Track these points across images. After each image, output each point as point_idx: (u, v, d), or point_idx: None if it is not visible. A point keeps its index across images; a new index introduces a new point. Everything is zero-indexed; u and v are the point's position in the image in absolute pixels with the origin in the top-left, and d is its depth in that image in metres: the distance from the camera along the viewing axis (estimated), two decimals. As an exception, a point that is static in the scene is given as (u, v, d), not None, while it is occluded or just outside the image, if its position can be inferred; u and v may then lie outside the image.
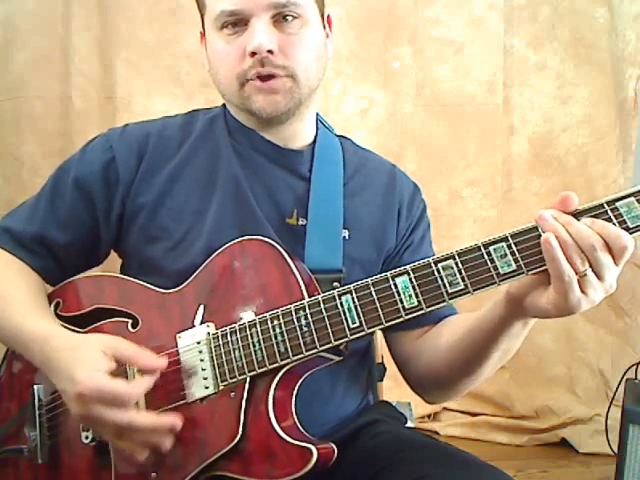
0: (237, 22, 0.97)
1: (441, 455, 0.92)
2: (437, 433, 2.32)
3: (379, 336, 1.16)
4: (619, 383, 1.93)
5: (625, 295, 2.34)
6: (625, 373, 1.89)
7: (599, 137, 2.37)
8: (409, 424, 1.16)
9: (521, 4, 2.38)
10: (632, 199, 0.76)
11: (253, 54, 0.95)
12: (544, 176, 2.41)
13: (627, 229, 0.75)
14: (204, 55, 1.06)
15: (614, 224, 0.75)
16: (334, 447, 0.85)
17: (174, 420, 0.84)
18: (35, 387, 0.97)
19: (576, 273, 0.74)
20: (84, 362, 0.83)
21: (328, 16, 1.07)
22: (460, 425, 2.36)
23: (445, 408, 2.41)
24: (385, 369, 1.21)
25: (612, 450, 1.90)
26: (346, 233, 1.03)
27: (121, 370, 0.86)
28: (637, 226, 0.76)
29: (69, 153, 1.08)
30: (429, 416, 2.40)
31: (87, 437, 0.92)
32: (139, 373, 0.87)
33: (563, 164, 2.40)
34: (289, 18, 0.97)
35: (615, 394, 2.03)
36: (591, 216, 0.76)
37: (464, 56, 2.38)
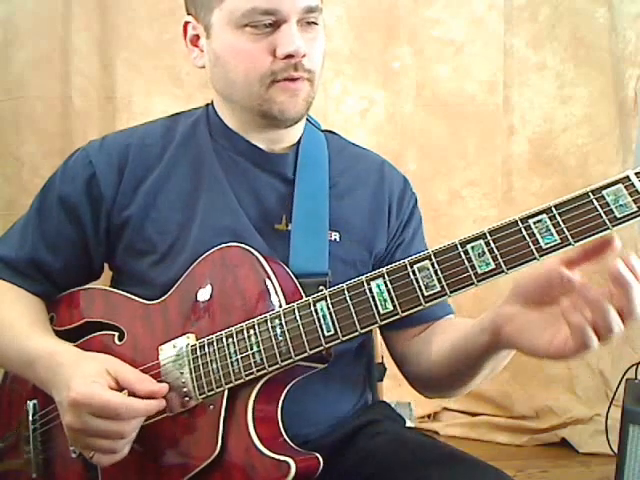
0: (267, 23, 0.93)
1: (441, 455, 0.91)
2: (437, 433, 2.32)
3: (379, 336, 1.16)
4: (619, 383, 1.93)
5: (625, 295, 2.33)
6: (625, 373, 1.89)
7: (599, 137, 2.37)
8: (409, 424, 1.16)
9: (521, 4, 2.38)
10: (620, 186, 0.70)
11: (288, 57, 0.93)
12: (544, 176, 2.41)
13: (615, 219, 0.70)
14: (190, 48, 1.03)
15: (600, 215, 0.70)
16: (319, 457, 0.84)
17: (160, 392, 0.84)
18: (29, 402, 0.96)
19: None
20: (84, 374, 0.83)
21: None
22: (460, 425, 2.36)
23: (445, 408, 2.41)
24: (385, 369, 1.21)
25: (612, 450, 1.90)
26: (337, 235, 1.01)
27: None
28: (625, 216, 0.70)
29: (69, 153, 1.07)
30: (429, 416, 2.40)
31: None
32: None
33: (563, 164, 2.40)
34: (312, 24, 0.96)
35: (615, 394, 2.03)
36: (575, 207, 0.72)
37: (464, 56, 2.38)
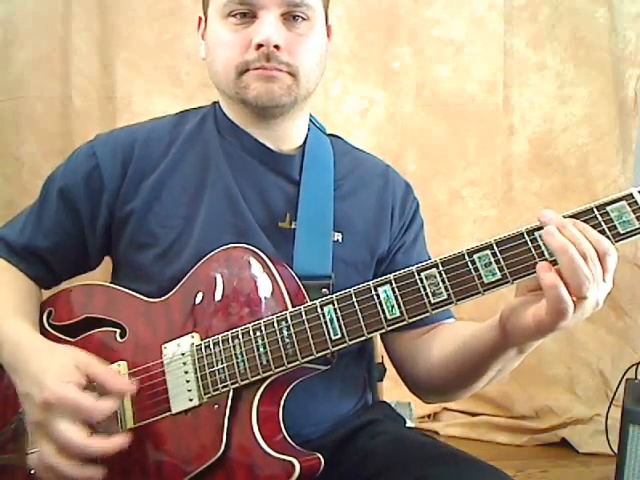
0: (246, 12, 0.96)
1: (441, 455, 0.91)
2: (437, 433, 2.32)
3: (379, 336, 1.16)
4: (619, 383, 1.93)
5: (625, 295, 2.34)
6: (625, 373, 1.89)
7: (599, 137, 2.37)
8: (409, 424, 1.15)
9: (521, 4, 2.38)
10: (623, 203, 0.73)
11: (259, 46, 0.94)
12: (544, 176, 2.41)
13: (618, 235, 0.73)
14: (199, 42, 1.05)
15: (604, 230, 0.73)
16: (320, 458, 0.84)
17: (123, 442, 0.81)
18: None
19: (576, 296, 0.71)
20: (55, 370, 0.83)
21: (329, 26, 1.07)
22: (460, 425, 2.36)
23: (445, 408, 2.41)
24: (385, 369, 1.21)
25: (612, 450, 1.90)
26: (339, 236, 1.02)
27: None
28: (628, 232, 0.72)
29: (69, 153, 1.08)
30: (429, 416, 2.40)
31: None
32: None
33: (563, 164, 2.40)
34: (298, 19, 0.97)
35: (615, 394, 2.03)
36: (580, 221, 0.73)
37: (464, 56, 2.38)
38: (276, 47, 0.94)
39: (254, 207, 1.00)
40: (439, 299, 0.78)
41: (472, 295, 0.77)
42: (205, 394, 0.86)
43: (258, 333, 0.85)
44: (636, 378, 1.81)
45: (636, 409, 1.66)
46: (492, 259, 0.76)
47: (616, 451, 1.71)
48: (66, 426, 0.80)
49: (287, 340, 0.84)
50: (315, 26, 1.00)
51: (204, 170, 1.01)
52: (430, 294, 0.79)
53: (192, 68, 2.23)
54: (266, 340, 0.85)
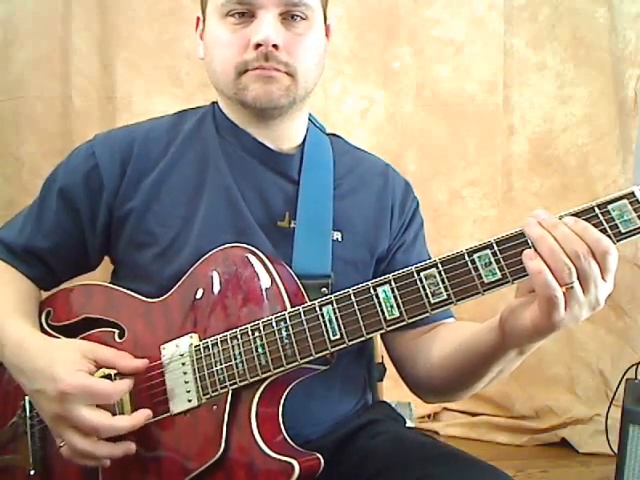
0: (244, 12, 0.96)
1: (441, 455, 0.91)
2: (437, 433, 2.32)
3: (379, 336, 1.16)
4: (619, 383, 1.93)
5: (625, 295, 2.34)
6: (625, 373, 1.89)
7: (599, 137, 2.37)
8: (409, 424, 1.15)
9: (521, 4, 2.38)
10: (625, 201, 0.72)
11: (258, 46, 0.94)
12: (544, 176, 2.41)
13: (619, 234, 0.72)
14: (197, 42, 1.05)
15: (605, 229, 0.72)
16: (320, 458, 0.84)
17: (147, 415, 0.85)
18: (27, 397, 0.95)
19: (561, 285, 0.70)
20: (64, 362, 0.84)
21: (328, 25, 1.07)
22: (460, 425, 2.36)
23: (445, 408, 2.41)
24: (385, 369, 1.21)
25: (612, 450, 1.90)
26: (339, 235, 1.02)
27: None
28: (630, 231, 0.72)
29: (69, 153, 1.07)
30: (429, 416, 2.40)
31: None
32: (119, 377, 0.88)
33: (563, 164, 2.40)
34: (297, 18, 0.97)
35: (615, 394, 2.03)
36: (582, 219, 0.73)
37: (464, 56, 2.38)
38: (275, 47, 0.94)
39: (253, 206, 0.99)
40: (439, 299, 0.78)
41: (472, 295, 0.77)
42: (204, 395, 0.86)
43: (257, 333, 0.85)
44: (636, 378, 1.81)
45: (636, 409, 1.66)
46: (492, 259, 0.76)
47: (616, 451, 1.71)
48: (87, 411, 0.81)
49: (286, 340, 0.83)
50: (314, 26, 1.00)
51: (203, 169, 1.01)
52: (430, 294, 0.78)
53: (192, 68, 2.23)
54: (265, 341, 0.84)
